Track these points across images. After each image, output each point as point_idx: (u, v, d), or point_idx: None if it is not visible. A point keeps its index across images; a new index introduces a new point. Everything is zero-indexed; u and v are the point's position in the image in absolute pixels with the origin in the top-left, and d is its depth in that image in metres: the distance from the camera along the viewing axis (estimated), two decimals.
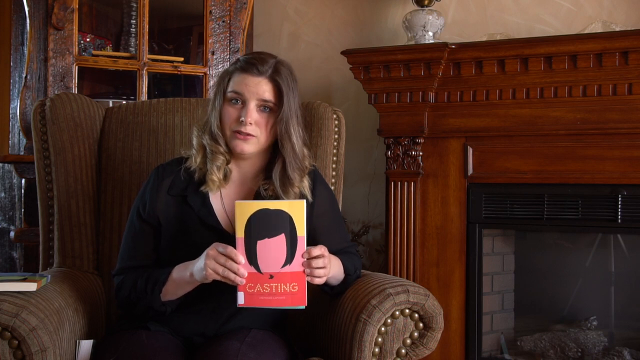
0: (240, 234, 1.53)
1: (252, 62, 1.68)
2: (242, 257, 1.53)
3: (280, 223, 1.53)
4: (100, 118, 2.15)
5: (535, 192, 2.53)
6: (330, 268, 1.62)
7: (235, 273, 1.53)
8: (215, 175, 1.70)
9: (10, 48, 2.95)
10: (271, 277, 1.54)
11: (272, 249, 1.53)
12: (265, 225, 1.53)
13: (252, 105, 1.67)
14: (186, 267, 1.62)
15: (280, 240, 1.54)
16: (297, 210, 1.54)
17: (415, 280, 2.64)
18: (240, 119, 1.66)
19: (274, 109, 1.69)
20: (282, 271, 1.54)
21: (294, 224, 1.54)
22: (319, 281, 1.58)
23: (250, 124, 1.66)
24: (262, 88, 1.67)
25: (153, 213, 1.73)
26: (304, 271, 1.55)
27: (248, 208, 1.53)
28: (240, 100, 1.68)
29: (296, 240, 1.54)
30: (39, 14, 2.72)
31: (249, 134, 1.67)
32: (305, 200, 1.57)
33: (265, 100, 1.68)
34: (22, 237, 2.78)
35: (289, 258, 1.54)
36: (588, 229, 2.65)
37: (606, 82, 2.41)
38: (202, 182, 1.72)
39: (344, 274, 1.75)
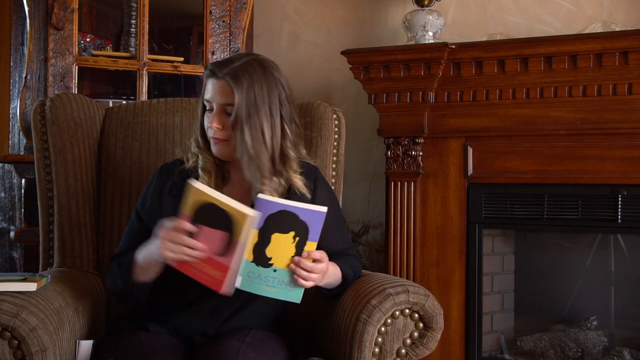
0: (186, 212, 1.52)
1: (213, 67, 1.69)
2: (189, 225, 1.52)
3: (224, 222, 1.51)
4: (100, 118, 2.15)
5: (535, 192, 2.53)
6: (323, 276, 1.62)
7: (190, 247, 1.51)
8: (205, 180, 1.71)
9: (10, 48, 2.95)
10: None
11: (211, 237, 1.52)
12: (212, 217, 1.51)
13: (217, 110, 1.68)
14: (146, 248, 1.63)
15: (222, 235, 1.52)
16: (242, 219, 1.49)
17: (415, 280, 2.64)
18: (208, 126, 1.70)
19: None
20: (212, 257, 1.53)
21: (233, 228, 1.50)
22: (304, 283, 1.57)
23: (218, 128, 1.67)
24: (219, 91, 1.67)
25: (150, 213, 1.74)
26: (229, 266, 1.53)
27: (201, 196, 1.51)
28: (210, 107, 1.70)
29: (235, 243, 1.51)
30: (39, 14, 2.72)
31: (218, 139, 1.69)
32: (256, 217, 1.51)
33: (223, 104, 1.67)
34: (22, 237, 2.78)
35: (224, 252, 1.52)
36: (588, 229, 2.65)
37: (606, 82, 2.41)
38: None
39: (341, 279, 1.75)
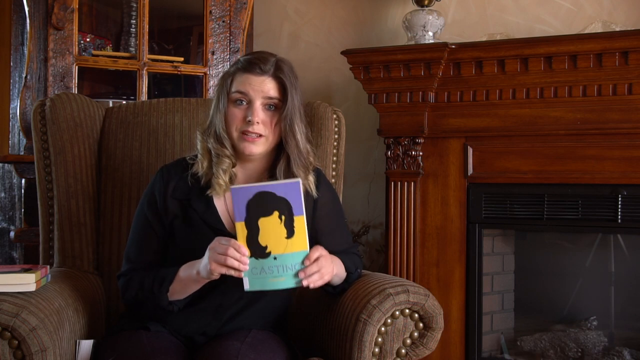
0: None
1: (253, 62, 1.69)
2: (245, 249, 1.54)
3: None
4: (100, 118, 2.15)
5: (535, 192, 2.53)
6: (328, 270, 1.61)
7: (238, 260, 1.52)
8: (222, 179, 1.70)
9: (10, 48, 2.95)
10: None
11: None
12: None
13: (258, 104, 1.67)
14: (192, 265, 1.62)
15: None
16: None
17: (415, 280, 2.64)
18: (248, 119, 1.67)
19: (278, 107, 1.69)
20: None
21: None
22: (319, 283, 1.59)
23: (258, 123, 1.67)
24: (266, 86, 1.67)
25: (161, 215, 1.73)
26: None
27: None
28: (246, 101, 1.68)
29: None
30: (39, 14, 2.72)
31: (257, 134, 1.67)
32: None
33: (270, 98, 1.68)
34: (22, 237, 2.78)
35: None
36: (588, 229, 2.65)
37: (606, 82, 2.41)
38: (207, 187, 1.72)
39: (345, 273, 1.76)
